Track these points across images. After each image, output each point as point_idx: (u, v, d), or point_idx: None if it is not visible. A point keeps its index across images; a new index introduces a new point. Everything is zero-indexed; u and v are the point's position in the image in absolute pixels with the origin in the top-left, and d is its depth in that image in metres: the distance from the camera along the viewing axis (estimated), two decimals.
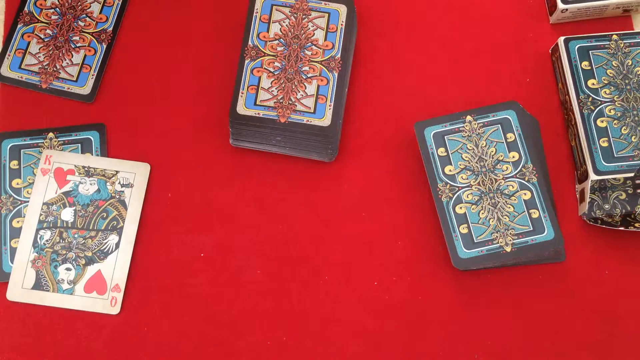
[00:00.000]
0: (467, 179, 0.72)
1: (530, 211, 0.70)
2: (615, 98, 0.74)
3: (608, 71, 0.75)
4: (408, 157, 0.76)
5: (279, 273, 0.73)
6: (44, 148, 0.76)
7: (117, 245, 0.73)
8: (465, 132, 0.73)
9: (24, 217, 0.73)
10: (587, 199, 0.73)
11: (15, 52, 0.78)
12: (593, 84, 0.75)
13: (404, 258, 0.74)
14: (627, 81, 0.75)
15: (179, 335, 0.72)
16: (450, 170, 0.72)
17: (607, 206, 0.73)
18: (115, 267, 0.72)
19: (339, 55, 0.74)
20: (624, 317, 0.73)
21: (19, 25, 0.79)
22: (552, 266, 0.74)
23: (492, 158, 0.72)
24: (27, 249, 0.72)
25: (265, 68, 0.74)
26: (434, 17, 0.81)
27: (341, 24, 0.75)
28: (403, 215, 0.75)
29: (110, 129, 0.77)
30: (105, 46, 0.79)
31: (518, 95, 0.78)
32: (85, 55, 0.79)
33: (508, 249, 0.70)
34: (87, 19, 0.80)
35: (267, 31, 0.75)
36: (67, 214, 0.74)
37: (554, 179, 0.76)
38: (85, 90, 0.78)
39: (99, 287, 0.72)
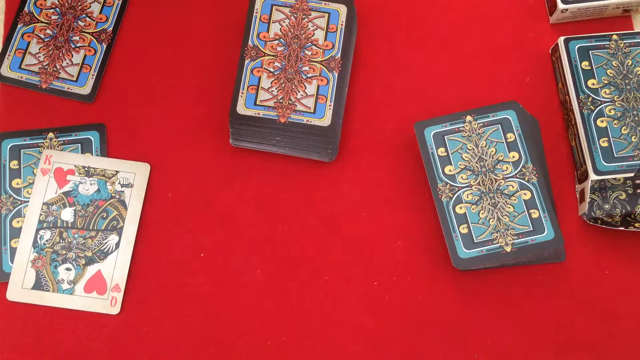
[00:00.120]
0: (467, 179, 0.72)
1: (530, 211, 0.70)
2: (615, 98, 0.74)
3: (608, 71, 0.75)
4: (408, 157, 0.76)
5: (279, 273, 0.73)
6: (44, 148, 0.75)
7: (117, 245, 0.73)
8: (465, 132, 0.73)
9: (24, 217, 0.73)
10: (587, 199, 0.73)
11: (15, 52, 0.78)
12: (593, 84, 0.75)
13: (404, 258, 0.74)
14: (627, 81, 0.74)
15: (179, 335, 0.72)
16: (450, 170, 0.72)
17: (607, 206, 0.73)
18: (115, 267, 0.72)
19: (339, 55, 0.74)
20: (624, 317, 0.73)
21: (19, 25, 0.79)
22: (552, 266, 0.74)
23: (492, 158, 0.72)
24: (27, 249, 0.72)
25: (265, 68, 0.74)
26: (433, 17, 0.81)
27: (341, 24, 0.75)
28: (403, 215, 0.75)
29: (110, 129, 0.77)
30: (105, 46, 0.79)
31: (518, 95, 0.78)
32: (85, 55, 0.79)
33: (508, 249, 0.70)
34: (87, 19, 0.80)
35: (267, 31, 0.75)
36: (67, 214, 0.74)
37: (554, 179, 0.76)
38: (85, 90, 0.78)
39: (99, 287, 0.72)
